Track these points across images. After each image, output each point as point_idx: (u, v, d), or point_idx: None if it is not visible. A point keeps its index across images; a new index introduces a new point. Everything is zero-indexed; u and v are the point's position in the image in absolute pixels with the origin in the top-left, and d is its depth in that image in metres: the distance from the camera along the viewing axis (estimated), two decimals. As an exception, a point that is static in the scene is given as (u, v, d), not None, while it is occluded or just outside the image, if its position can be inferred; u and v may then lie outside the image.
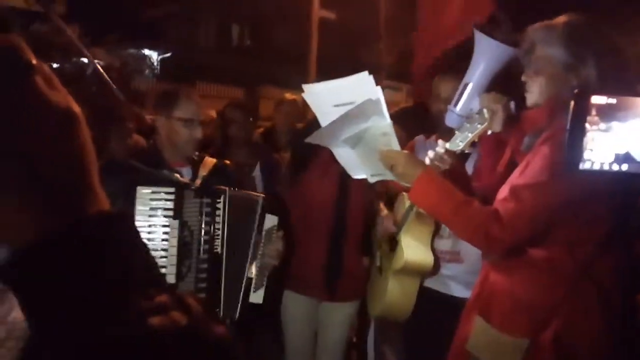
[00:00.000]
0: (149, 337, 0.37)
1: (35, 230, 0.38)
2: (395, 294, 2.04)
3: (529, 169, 1.40)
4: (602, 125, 1.03)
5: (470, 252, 1.97)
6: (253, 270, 1.88)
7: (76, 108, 0.42)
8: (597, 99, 1.03)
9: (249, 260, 1.85)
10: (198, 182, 1.88)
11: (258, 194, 1.92)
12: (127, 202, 1.68)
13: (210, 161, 1.99)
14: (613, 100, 1.03)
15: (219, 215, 1.78)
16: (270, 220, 1.91)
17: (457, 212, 1.44)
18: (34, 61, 0.41)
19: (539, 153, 1.39)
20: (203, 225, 1.76)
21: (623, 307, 1.41)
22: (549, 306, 1.39)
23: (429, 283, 2.10)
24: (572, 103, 1.04)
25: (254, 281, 1.87)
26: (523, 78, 1.50)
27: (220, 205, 1.78)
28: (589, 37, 1.40)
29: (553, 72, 1.42)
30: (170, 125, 1.91)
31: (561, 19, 1.44)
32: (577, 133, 1.03)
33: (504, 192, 1.44)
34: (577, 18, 1.43)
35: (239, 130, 2.96)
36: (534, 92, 1.47)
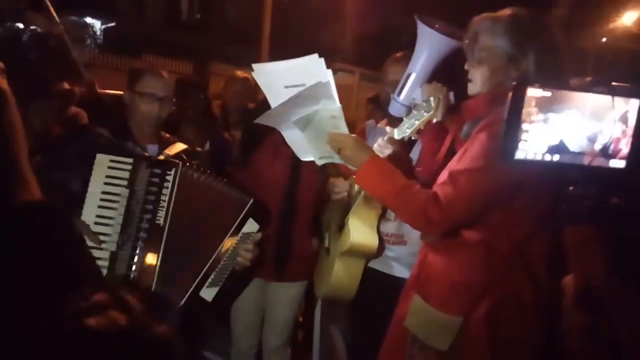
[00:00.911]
0: (85, 337, 0.35)
1: None
2: (340, 275, 2.08)
3: (467, 155, 1.45)
4: (539, 117, 1.09)
5: (414, 235, 2.03)
6: (217, 267, 1.80)
7: (4, 85, 0.38)
8: (533, 91, 1.08)
9: (214, 254, 1.79)
10: (160, 157, 1.84)
11: (248, 197, 1.84)
12: (85, 166, 1.68)
13: (180, 145, 1.96)
14: (548, 93, 1.09)
15: (166, 187, 1.73)
16: (251, 226, 1.85)
17: (399, 195, 1.48)
18: None
19: (477, 140, 1.44)
20: (148, 195, 1.72)
21: (552, 288, 1.51)
22: (482, 286, 1.47)
23: (374, 264, 2.15)
24: (510, 94, 1.08)
25: (211, 277, 1.80)
26: (466, 67, 1.55)
27: (170, 178, 1.73)
28: (533, 31, 1.45)
29: (496, 63, 1.47)
30: (132, 99, 1.92)
31: (507, 11, 1.49)
32: (514, 124, 1.08)
33: (443, 177, 1.49)
34: (522, 11, 1.48)
35: (190, 106, 2.89)
36: (477, 81, 1.52)
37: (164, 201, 1.72)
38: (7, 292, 0.34)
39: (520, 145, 1.09)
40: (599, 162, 1.11)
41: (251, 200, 1.83)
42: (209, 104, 3.40)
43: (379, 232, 2.08)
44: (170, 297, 1.75)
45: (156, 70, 1.97)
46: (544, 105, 1.09)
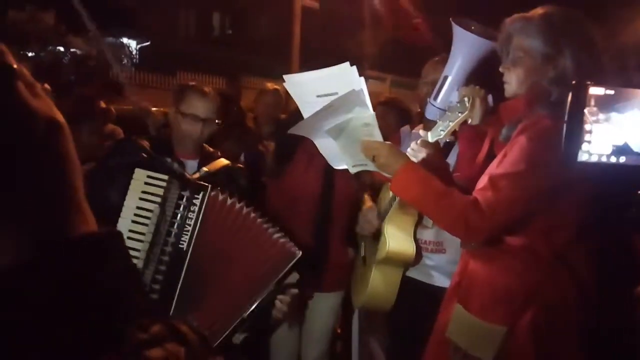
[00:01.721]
0: None
1: (14, 252, 0.34)
2: (378, 284, 2.05)
3: (507, 159, 1.42)
4: (601, 117, 1.04)
5: (453, 243, 1.99)
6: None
7: (60, 117, 0.38)
8: (595, 90, 1.03)
9: (256, 302, 1.66)
10: (197, 175, 1.84)
11: (297, 248, 1.71)
12: (125, 180, 1.69)
13: (222, 162, 1.96)
14: (611, 91, 1.03)
15: (193, 211, 1.67)
16: (293, 276, 1.73)
17: (437, 202, 1.45)
18: (15, 65, 0.37)
19: (517, 143, 1.41)
20: (177, 218, 1.67)
21: (602, 297, 1.44)
22: (525, 293, 1.42)
23: (412, 273, 2.11)
24: (570, 94, 1.04)
25: (246, 324, 1.67)
26: (501, 69, 1.52)
27: (198, 202, 1.67)
28: (566, 29, 1.42)
29: (531, 63, 1.44)
30: (176, 117, 1.95)
31: (539, 10, 1.46)
32: (575, 124, 1.03)
33: (483, 181, 1.45)
34: (554, 9, 1.45)
35: (225, 119, 2.93)
36: (512, 83, 1.49)
37: (189, 225, 1.66)
38: (68, 326, 0.34)
39: (584, 146, 1.04)
40: None
41: (300, 253, 1.70)
42: (243, 117, 3.46)
43: (415, 239, 2.05)
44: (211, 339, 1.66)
45: (202, 89, 1.97)
46: (605, 104, 1.03)
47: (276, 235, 1.72)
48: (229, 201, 1.70)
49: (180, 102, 1.95)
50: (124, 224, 1.67)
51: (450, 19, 1.73)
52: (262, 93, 3.54)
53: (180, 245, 1.66)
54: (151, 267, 1.65)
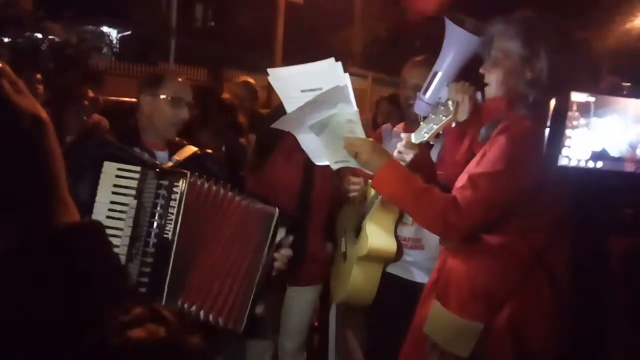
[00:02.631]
0: (130, 349, 0.37)
1: (1, 241, 0.36)
2: (358, 280, 2.07)
3: (486, 158, 1.44)
4: (581, 122, 1.06)
5: (432, 239, 2.01)
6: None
7: (43, 114, 0.40)
8: (577, 97, 1.06)
9: (258, 273, 1.73)
10: (169, 164, 1.81)
11: (272, 207, 1.77)
12: (94, 175, 1.64)
13: (190, 149, 1.93)
14: (592, 98, 1.06)
15: (174, 200, 1.64)
16: (281, 231, 1.80)
17: (417, 199, 1.47)
18: (0, 64, 0.38)
19: (496, 143, 1.43)
20: (158, 208, 1.64)
21: (578, 298, 1.48)
22: (503, 291, 1.45)
23: (392, 269, 2.13)
24: (554, 100, 1.06)
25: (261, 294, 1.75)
26: (481, 71, 1.55)
27: (178, 190, 1.65)
28: (543, 32, 1.45)
29: (510, 65, 1.47)
30: (155, 103, 1.87)
31: (519, 13, 1.48)
32: (558, 129, 1.06)
33: (462, 180, 1.47)
34: (534, 13, 1.48)
35: (209, 112, 2.91)
36: (492, 84, 1.52)
37: (172, 214, 1.64)
38: (54, 309, 0.36)
39: (564, 151, 1.07)
40: None
41: (277, 211, 1.76)
42: (227, 110, 3.43)
43: (396, 236, 2.07)
44: (230, 328, 1.70)
45: (175, 74, 1.95)
46: (586, 110, 1.06)
47: (253, 205, 1.76)
48: (206, 185, 1.70)
49: (157, 88, 1.87)
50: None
51: (444, 14, 1.74)
52: (232, 85, 3.56)
53: (165, 235, 1.63)
54: (136, 261, 1.62)
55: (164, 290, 1.61)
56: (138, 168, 1.66)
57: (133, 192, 1.65)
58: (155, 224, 1.64)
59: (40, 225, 0.38)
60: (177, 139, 1.98)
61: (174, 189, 1.65)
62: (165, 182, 1.66)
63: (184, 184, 1.65)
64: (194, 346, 0.42)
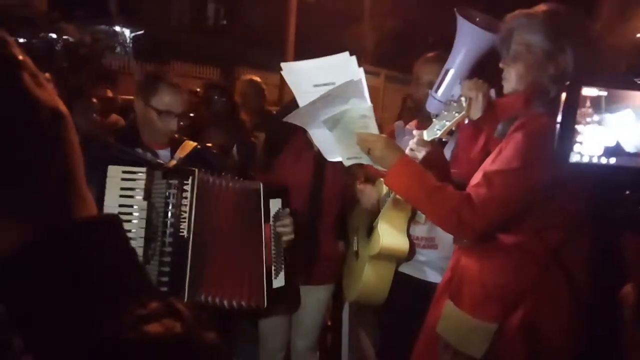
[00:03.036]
0: (146, 343, 0.37)
1: (20, 236, 0.36)
2: (371, 279, 2.06)
3: (502, 156, 1.41)
4: (594, 118, 1.04)
5: (445, 239, 1.99)
6: (272, 257, 1.87)
7: (63, 107, 0.40)
8: (588, 91, 1.03)
9: (263, 248, 1.83)
10: (173, 162, 1.83)
11: (256, 182, 1.87)
12: (99, 180, 1.64)
13: (189, 144, 1.94)
14: (604, 92, 1.04)
15: (186, 197, 1.68)
16: (275, 204, 1.89)
17: (431, 197, 1.45)
18: (21, 57, 0.38)
19: (512, 140, 1.40)
20: (170, 207, 1.66)
21: (593, 297, 1.45)
22: (517, 291, 1.42)
23: (404, 268, 2.12)
24: (564, 94, 1.04)
25: (273, 268, 1.86)
26: (501, 65, 1.51)
27: (188, 187, 1.68)
28: (569, 27, 1.41)
29: (532, 59, 1.43)
30: (147, 112, 1.88)
31: (542, 7, 1.45)
32: (568, 125, 1.03)
33: (477, 177, 1.45)
34: (557, 7, 1.44)
35: (218, 110, 2.92)
36: (512, 79, 1.49)
37: (185, 212, 1.67)
38: (70, 302, 0.37)
39: (575, 147, 1.04)
40: None
41: (260, 184, 1.84)
42: (235, 108, 3.44)
43: (409, 235, 2.05)
44: (252, 305, 1.79)
45: (173, 83, 1.92)
46: (599, 105, 1.04)
47: (238, 185, 1.81)
48: (212, 179, 1.76)
49: (150, 96, 1.86)
50: None
51: (455, 9, 1.71)
52: (239, 84, 3.57)
53: (180, 234, 1.67)
54: (153, 261, 1.64)
55: (185, 287, 1.65)
56: (143, 169, 1.68)
57: (141, 193, 1.66)
58: (169, 223, 1.66)
59: (58, 218, 0.38)
60: (175, 135, 1.99)
61: (184, 187, 1.68)
62: (174, 181, 1.68)
63: (193, 181, 1.69)
64: (210, 342, 0.42)
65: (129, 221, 1.65)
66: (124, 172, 1.67)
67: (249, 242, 1.82)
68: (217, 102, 3.04)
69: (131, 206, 1.66)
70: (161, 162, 1.81)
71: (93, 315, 0.36)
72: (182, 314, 0.40)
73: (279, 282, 1.86)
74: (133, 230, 1.65)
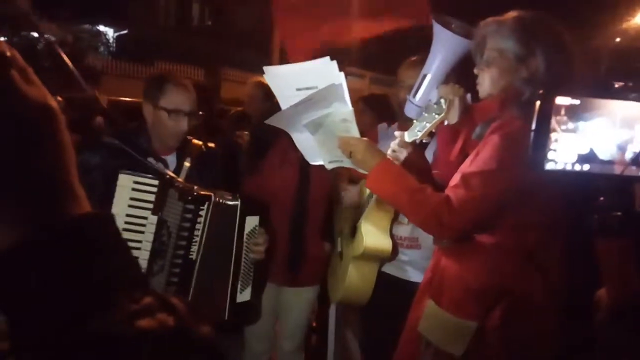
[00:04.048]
0: (139, 338, 0.37)
1: (14, 233, 0.36)
2: (354, 280, 2.07)
3: (479, 158, 1.44)
4: (569, 126, 1.07)
5: (428, 239, 2.02)
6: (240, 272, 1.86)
7: (53, 103, 0.40)
8: (562, 100, 1.07)
9: (231, 264, 1.80)
10: (182, 177, 1.82)
11: (235, 201, 1.81)
12: (104, 182, 1.62)
13: (195, 146, 1.93)
14: (577, 101, 1.07)
15: (199, 222, 1.70)
16: (252, 222, 1.85)
17: (411, 198, 1.47)
18: (9, 53, 0.38)
19: (489, 142, 1.43)
20: (182, 231, 1.68)
21: (569, 300, 1.49)
22: (496, 291, 1.45)
23: (387, 268, 2.14)
24: (538, 103, 1.07)
25: (239, 283, 1.84)
26: (475, 71, 1.55)
27: (203, 213, 1.71)
28: (538, 30, 1.46)
29: (504, 64, 1.47)
30: (156, 114, 1.84)
31: (512, 13, 1.50)
32: (543, 133, 1.06)
33: (455, 179, 1.48)
34: (527, 13, 1.49)
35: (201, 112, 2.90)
36: (486, 83, 1.52)
37: (197, 236, 1.70)
38: (62, 299, 0.37)
39: (550, 155, 1.07)
40: (630, 171, 1.08)
41: (238, 202, 1.81)
42: (214, 110, 3.43)
43: (392, 235, 2.07)
44: (213, 315, 1.76)
45: (181, 82, 1.88)
46: (574, 113, 1.07)
47: (220, 201, 1.78)
48: (226, 202, 1.77)
49: (159, 97, 1.83)
50: None
51: (432, 17, 1.74)
52: (246, 86, 3.55)
53: (190, 256, 1.69)
54: (160, 277, 1.65)
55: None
56: (156, 182, 1.67)
57: (150, 205, 1.66)
58: (181, 245, 1.68)
59: (49, 215, 0.38)
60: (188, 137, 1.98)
61: (200, 212, 1.71)
62: (191, 207, 1.70)
63: (208, 207, 1.71)
64: (204, 336, 0.42)
65: (137, 232, 1.64)
66: (135, 182, 1.64)
67: (218, 256, 1.80)
68: (202, 103, 3.03)
69: (139, 217, 1.64)
70: (173, 175, 1.77)
71: (85, 312, 0.36)
72: (175, 308, 0.40)
73: (244, 296, 1.85)
74: (140, 241, 1.65)
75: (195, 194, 1.73)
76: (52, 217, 0.38)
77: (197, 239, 1.70)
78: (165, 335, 0.38)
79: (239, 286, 1.83)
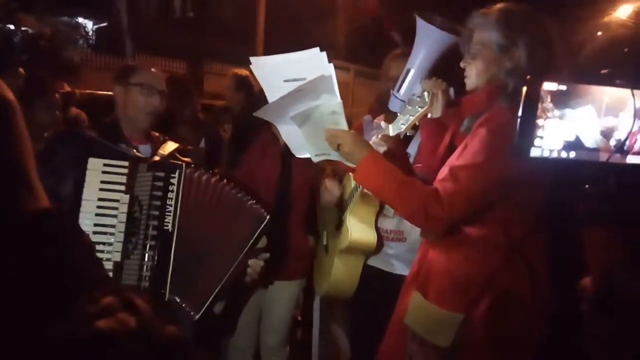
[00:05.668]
0: (95, 339, 0.36)
1: None
2: (340, 273, 2.07)
3: (467, 151, 1.45)
4: (555, 112, 1.07)
5: (413, 232, 2.03)
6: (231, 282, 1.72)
7: (10, 96, 0.38)
8: (549, 86, 1.06)
9: (231, 269, 1.68)
10: (156, 158, 1.77)
11: (265, 212, 1.71)
12: (79, 172, 1.60)
13: (171, 144, 1.90)
14: (563, 87, 1.07)
15: (172, 191, 1.64)
16: (262, 241, 1.76)
17: (399, 191, 1.47)
18: None
19: (477, 135, 1.44)
20: (154, 200, 1.62)
21: (554, 289, 1.50)
22: (482, 282, 1.46)
23: (373, 261, 2.14)
24: (524, 89, 1.07)
25: (227, 292, 1.70)
26: (462, 64, 1.56)
27: (175, 181, 1.64)
28: (521, 22, 1.47)
29: (488, 56, 1.49)
30: (128, 93, 1.86)
31: (497, 6, 1.51)
32: (528, 119, 1.06)
33: (443, 172, 1.48)
34: (510, 5, 1.51)
35: (178, 105, 2.86)
36: (472, 76, 1.54)
37: (170, 205, 1.63)
38: (18, 299, 0.35)
39: (536, 142, 1.07)
40: (616, 158, 1.09)
41: (267, 217, 1.71)
42: (195, 103, 3.39)
43: (377, 229, 2.08)
44: (186, 311, 1.63)
45: (147, 64, 1.95)
46: (560, 100, 1.07)
47: (247, 201, 1.72)
48: (201, 174, 1.68)
49: (129, 76, 1.86)
50: (86, 219, 1.58)
51: (415, 12, 1.75)
52: (227, 78, 3.50)
53: (165, 227, 1.62)
54: (134, 256, 1.59)
55: (167, 282, 1.59)
56: (125, 162, 1.64)
57: (122, 187, 1.62)
58: (153, 216, 1.61)
59: (8, 212, 0.36)
60: (157, 134, 1.96)
61: (171, 180, 1.64)
62: (161, 174, 1.64)
63: (180, 175, 1.65)
64: (169, 335, 0.40)
65: (110, 215, 1.60)
66: (105, 164, 1.62)
67: (220, 254, 1.69)
68: (184, 97, 2.98)
69: (112, 200, 1.61)
70: (144, 156, 1.76)
71: (40, 313, 0.35)
72: (138, 308, 0.39)
73: (217, 308, 1.70)
74: (113, 225, 1.60)
75: (164, 163, 1.68)
76: (7, 212, 0.36)
77: (171, 208, 1.62)
78: (125, 336, 0.37)
79: (225, 295, 1.70)
